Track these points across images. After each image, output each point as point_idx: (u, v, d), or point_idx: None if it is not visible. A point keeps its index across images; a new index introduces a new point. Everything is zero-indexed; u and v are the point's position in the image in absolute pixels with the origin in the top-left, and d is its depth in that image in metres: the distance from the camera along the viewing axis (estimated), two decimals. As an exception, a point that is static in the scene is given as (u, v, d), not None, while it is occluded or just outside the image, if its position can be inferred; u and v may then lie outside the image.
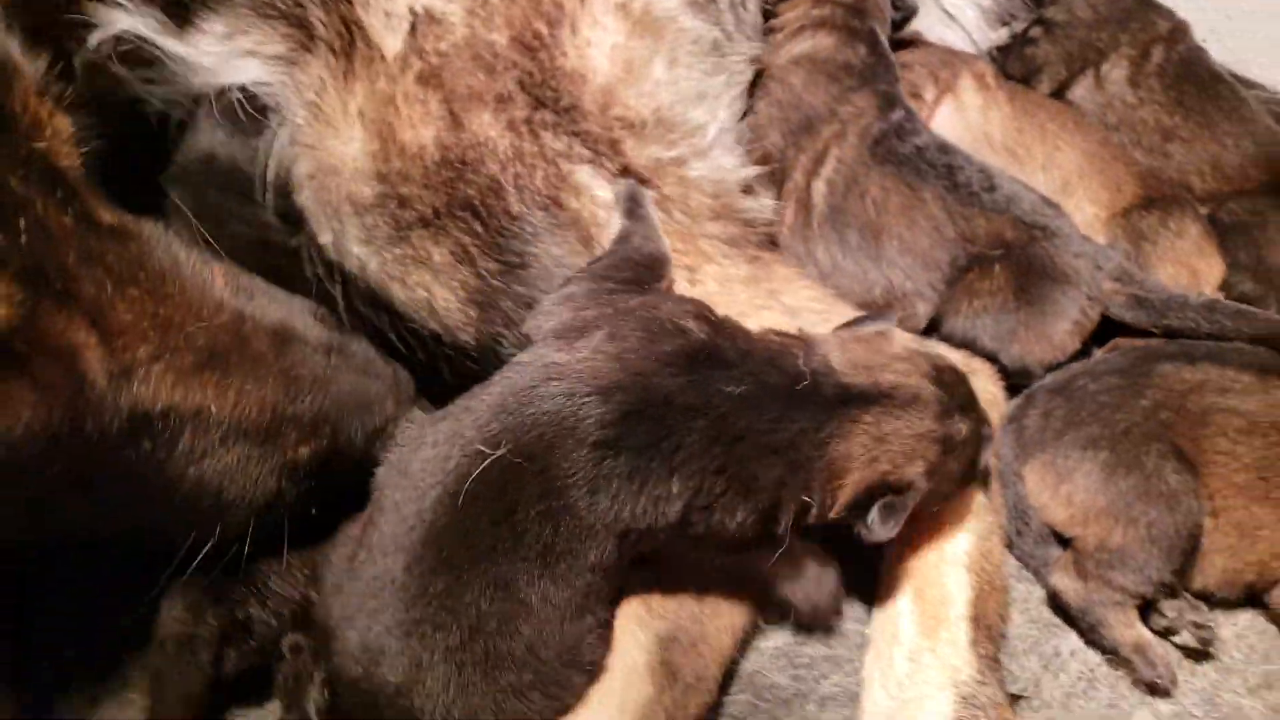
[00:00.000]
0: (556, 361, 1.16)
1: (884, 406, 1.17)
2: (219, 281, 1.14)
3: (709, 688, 1.26)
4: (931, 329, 1.62)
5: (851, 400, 1.17)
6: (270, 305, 1.20)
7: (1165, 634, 1.38)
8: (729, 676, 1.33)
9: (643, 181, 1.43)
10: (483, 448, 1.10)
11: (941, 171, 1.61)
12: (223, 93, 1.48)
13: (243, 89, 1.47)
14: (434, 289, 1.42)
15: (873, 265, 1.61)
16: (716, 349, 1.17)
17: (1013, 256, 1.55)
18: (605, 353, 1.15)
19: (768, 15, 1.79)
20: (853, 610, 1.40)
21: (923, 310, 1.60)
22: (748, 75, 1.64)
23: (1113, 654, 1.36)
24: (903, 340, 1.29)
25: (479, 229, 1.38)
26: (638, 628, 1.24)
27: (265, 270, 1.44)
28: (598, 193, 1.41)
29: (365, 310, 1.46)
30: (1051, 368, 1.55)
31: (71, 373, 0.95)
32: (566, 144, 1.41)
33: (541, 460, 1.10)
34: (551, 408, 1.11)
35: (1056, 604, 1.41)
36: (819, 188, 1.64)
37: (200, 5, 1.46)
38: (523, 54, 1.42)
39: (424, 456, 1.15)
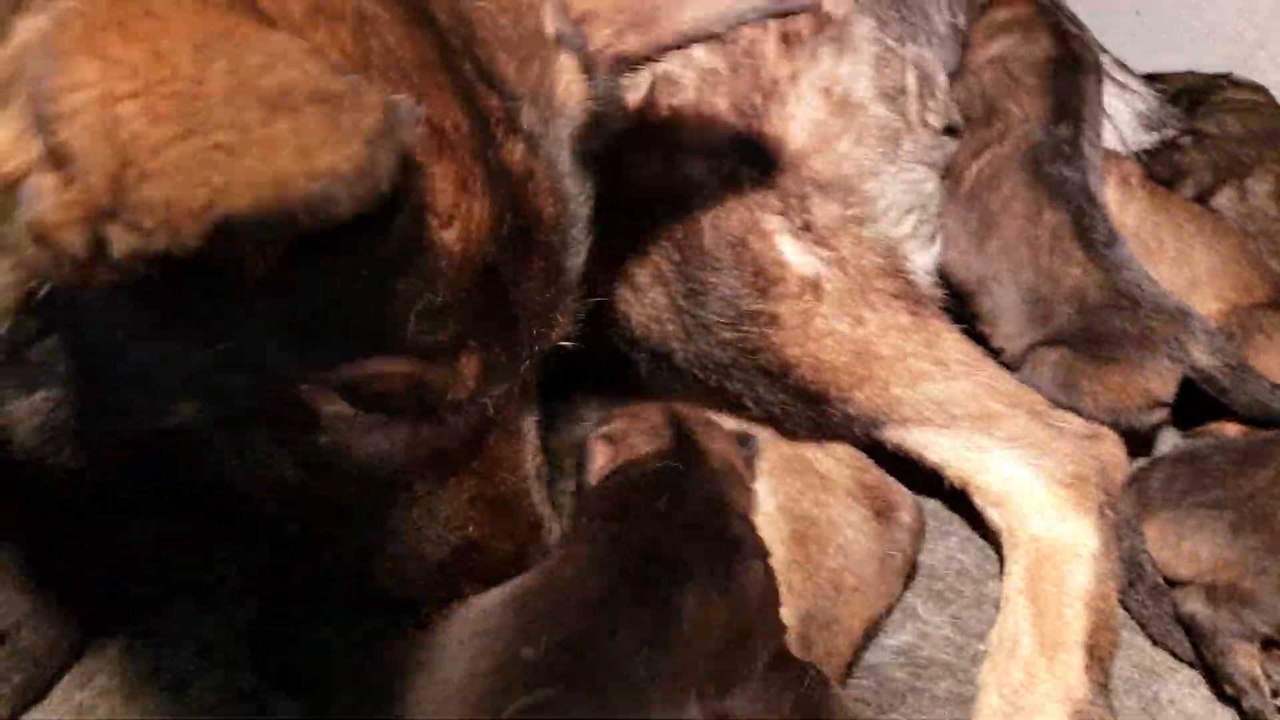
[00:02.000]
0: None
1: None
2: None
3: (838, 665, 1.43)
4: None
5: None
6: None
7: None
8: (855, 664, 1.50)
9: (822, 242, 1.64)
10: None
11: (1073, 207, 1.73)
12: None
13: None
14: (633, 305, 1.66)
15: (976, 254, 1.76)
16: None
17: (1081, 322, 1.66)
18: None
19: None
20: (970, 625, 1.56)
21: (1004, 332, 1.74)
22: (916, 169, 1.82)
23: (1227, 681, 1.45)
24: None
25: (676, 257, 1.62)
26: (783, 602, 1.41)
27: None
28: (779, 239, 1.63)
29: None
30: (1142, 419, 1.61)
31: None
32: (763, 195, 1.64)
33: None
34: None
35: (1187, 625, 1.50)
36: (971, 170, 1.82)
37: None
38: (738, 118, 1.68)
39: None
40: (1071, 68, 1.91)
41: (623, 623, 1.17)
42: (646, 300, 1.64)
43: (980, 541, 1.66)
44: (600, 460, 1.41)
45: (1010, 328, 1.72)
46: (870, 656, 1.52)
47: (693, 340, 1.61)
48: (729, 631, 1.24)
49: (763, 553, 1.34)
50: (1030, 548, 1.50)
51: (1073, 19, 2.04)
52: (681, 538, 1.29)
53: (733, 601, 1.26)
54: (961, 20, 2.02)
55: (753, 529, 1.37)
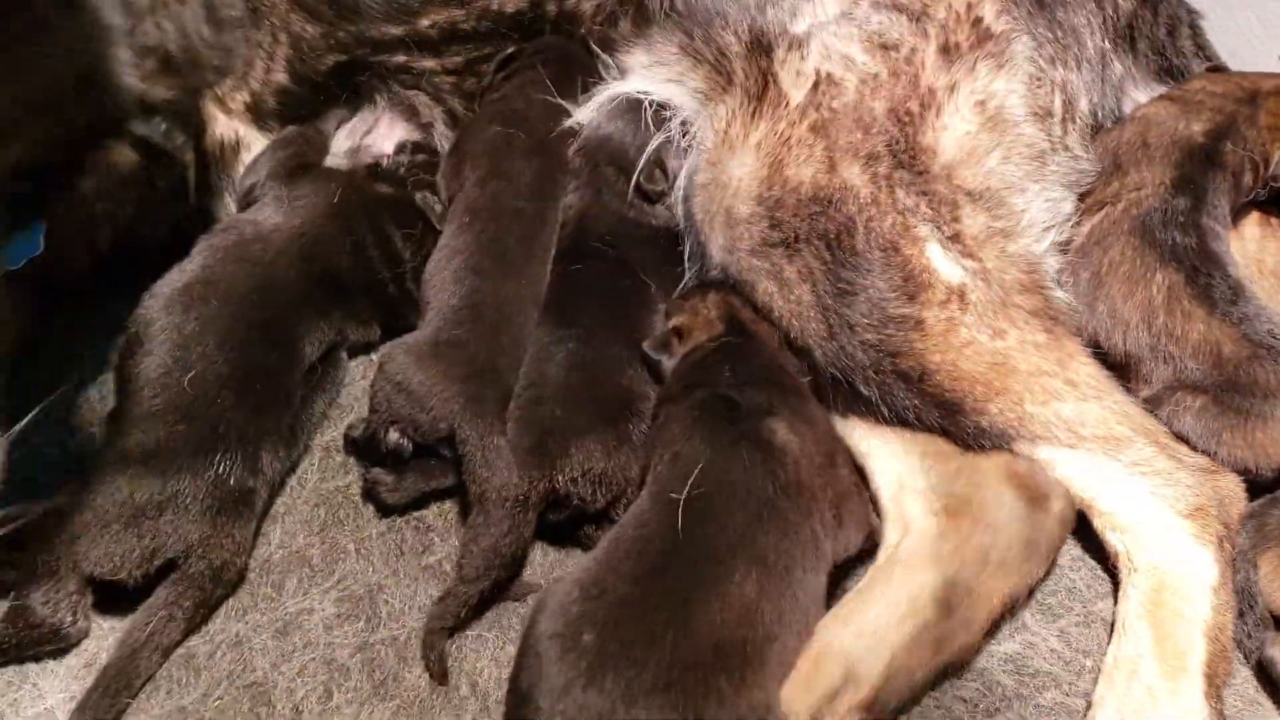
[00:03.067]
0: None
1: None
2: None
3: (972, 632, 1.49)
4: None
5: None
6: None
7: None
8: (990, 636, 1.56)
9: (968, 253, 1.67)
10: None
11: (1186, 267, 1.74)
12: (636, 98, 1.91)
13: (660, 102, 1.90)
14: (776, 299, 1.71)
15: (1087, 311, 1.78)
16: None
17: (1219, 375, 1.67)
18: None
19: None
20: (1077, 641, 1.60)
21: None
22: (1057, 189, 1.84)
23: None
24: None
25: (827, 256, 1.67)
26: (930, 565, 1.51)
27: (616, 229, 1.87)
28: (929, 247, 1.67)
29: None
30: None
31: None
32: (915, 201, 1.68)
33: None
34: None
35: (1266, 676, 1.55)
36: (1084, 227, 1.84)
37: (629, 41, 1.95)
38: (894, 124, 1.72)
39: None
40: (1208, 159, 1.89)
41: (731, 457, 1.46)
42: (792, 296, 1.69)
43: (1091, 562, 1.68)
44: (674, 348, 1.72)
45: (1145, 369, 1.75)
46: (979, 661, 1.57)
47: (835, 339, 1.65)
48: (819, 453, 1.51)
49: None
50: (1151, 574, 1.53)
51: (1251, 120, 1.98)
52: (753, 386, 1.59)
53: (814, 428, 1.56)
54: (1110, 46, 2.03)
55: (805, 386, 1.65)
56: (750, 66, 1.77)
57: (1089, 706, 1.50)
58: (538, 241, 1.86)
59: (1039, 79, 1.82)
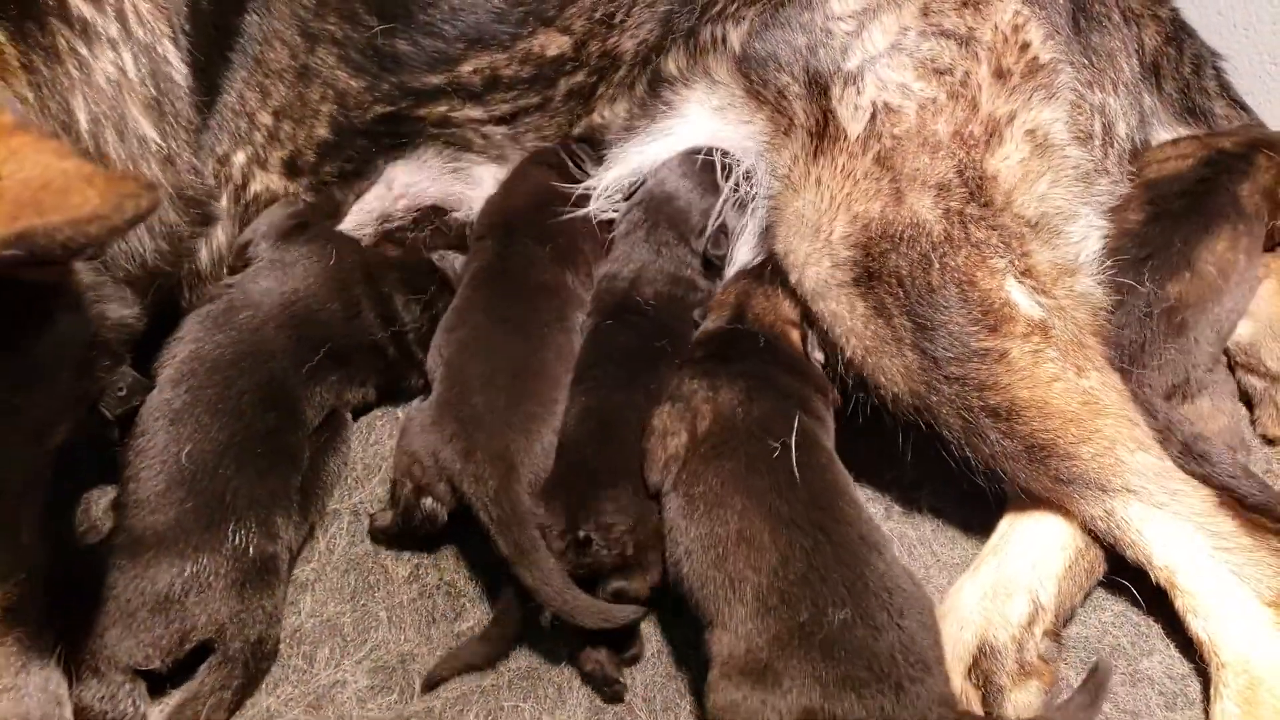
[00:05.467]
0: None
1: None
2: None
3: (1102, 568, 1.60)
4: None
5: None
6: None
7: None
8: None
9: (1041, 289, 1.62)
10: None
11: None
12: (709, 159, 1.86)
13: (723, 152, 1.86)
14: (850, 337, 1.64)
15: None
16: None
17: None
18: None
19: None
20: (1124, 701, 1.55)
21: None
22: (1103, 218, 1.81)
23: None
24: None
25: (900, 293, 1.60)
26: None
27: (664, 294, 1.80)
28: (1006, 280, 1.61)
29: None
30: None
31: None
32: (986, 235, 1.63)
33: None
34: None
35: None
36: None
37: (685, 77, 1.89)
38: (960, 146, 1.68)
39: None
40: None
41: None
42: (867, 333, 1.62)
43: (1135, 619, 1.63)
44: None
45: None
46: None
47: (917, 376, 1.59)
48: None
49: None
50: (1242, 671, 1.46)
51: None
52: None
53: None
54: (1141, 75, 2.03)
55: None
56: (811, 107, 1.74)
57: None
58: (550, 304, 1.79)
59: (1079, 105, 1.80)
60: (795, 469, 1.46)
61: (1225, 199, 1.83)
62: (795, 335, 1.70)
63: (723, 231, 1.86)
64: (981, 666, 1.49)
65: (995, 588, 1.56)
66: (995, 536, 1.64)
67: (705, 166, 1.86)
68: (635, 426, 1.59)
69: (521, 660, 1.56)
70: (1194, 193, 1.84)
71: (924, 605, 1.40)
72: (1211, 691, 1.48)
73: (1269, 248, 1.98)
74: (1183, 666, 1.57)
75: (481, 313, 1.75)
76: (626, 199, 1.92)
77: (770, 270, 1.76)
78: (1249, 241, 1.83)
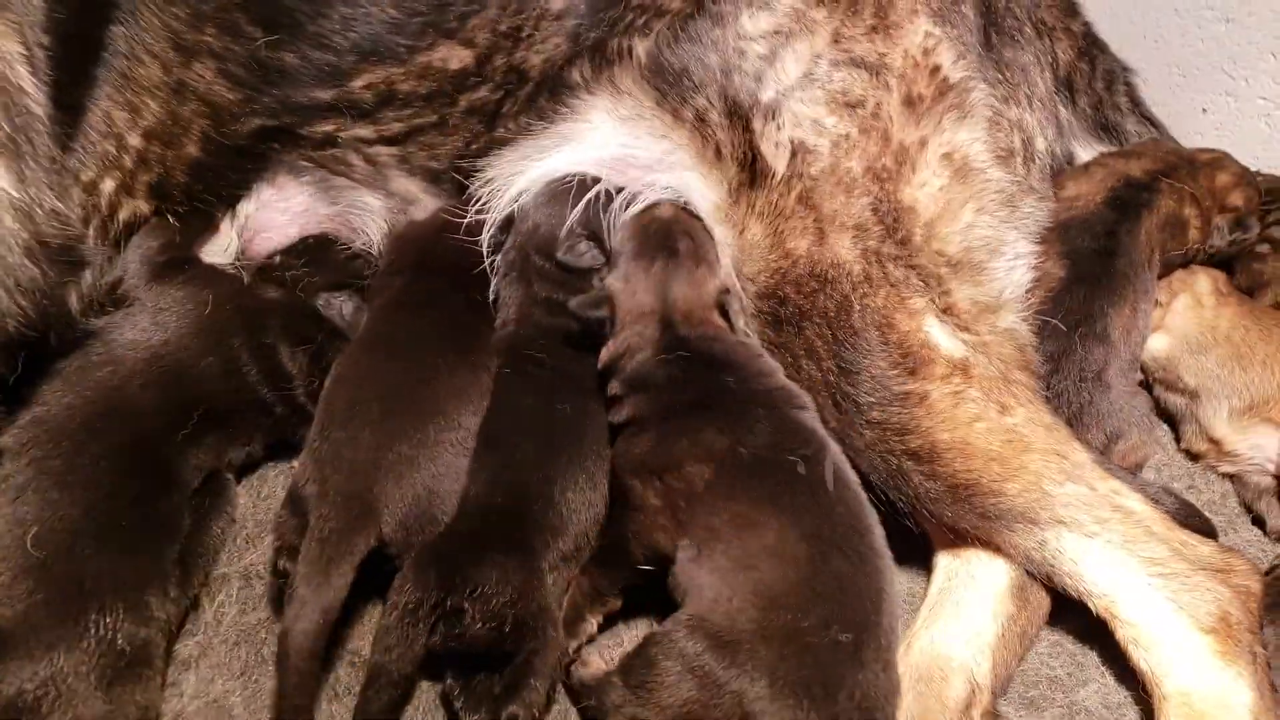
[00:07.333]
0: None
1: None
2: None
3: (1042, 618, 1.58)
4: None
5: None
6: None
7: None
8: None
9: (964, 326, 1.59)
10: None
11: None
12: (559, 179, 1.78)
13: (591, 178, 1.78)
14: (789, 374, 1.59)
15: None
16: None
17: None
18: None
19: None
20: None
21: None
22: (1030, 243, 1.77)
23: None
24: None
25: (828, 334, 1.56)
26: (1004, 563, 1.55)
27: (546, 326, 1.70)
28: (926, 320, 1.57)
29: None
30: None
31: None
32: (905, 274, 1.58)
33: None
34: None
35: None
36: None
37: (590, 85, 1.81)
38: (874, 182, 1.62)
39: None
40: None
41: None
42: (802, 373, 1.58)
43: (1070, 648, 1.61)
44: None
45: None
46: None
47: (843, 416, 1.54)
48: None
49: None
50: (1181, 703, 1.42)
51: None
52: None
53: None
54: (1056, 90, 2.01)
55: None
56: (736, 138, 1.68)
57: None
58: (458, 340, 1.67)
59: (997, 121, 1.76)
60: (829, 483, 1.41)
61: (1126, 263, 1.86)
62: (718, 316, 1.63)
63: (592, 238, 1.75)
64: (923, 757, 1.42)
65: (929, 670, 1.50)
66: (925, 605, 1.58)
67: (564, 190, 1.76)
68: (550, 501, 1.48)
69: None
70: (1103, 252, 1.86)
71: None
72: (1154, 727, 1.45)
73: (1182, 264, 2.00)
74: (1119, 694, 1.55)
75: (374, 347, 1.62)
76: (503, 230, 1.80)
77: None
78: (1145, 298, 1.87)
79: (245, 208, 1.82)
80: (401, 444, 1.49)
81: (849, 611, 1.32)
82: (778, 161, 1.64)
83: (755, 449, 1.43)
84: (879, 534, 1.43)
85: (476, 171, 1.83)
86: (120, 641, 1.32)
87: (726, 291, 1.65)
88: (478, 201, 1.80)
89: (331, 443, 1.48)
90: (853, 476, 1.48)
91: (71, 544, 1.35)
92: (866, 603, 1.33)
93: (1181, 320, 1.92)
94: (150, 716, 1.33)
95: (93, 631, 1.30)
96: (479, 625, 1.36)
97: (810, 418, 1.52)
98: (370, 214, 1.90)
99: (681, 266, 1.61)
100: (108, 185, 1.63)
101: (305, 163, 1.81)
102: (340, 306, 1.75)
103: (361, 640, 1.53)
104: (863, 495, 1.47)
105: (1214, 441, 1.85)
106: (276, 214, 1.84)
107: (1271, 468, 1.77)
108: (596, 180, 1.76)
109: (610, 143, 1.75)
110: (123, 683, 1.31)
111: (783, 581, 1.32)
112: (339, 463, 1.46)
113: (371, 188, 1.87)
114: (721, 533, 1.38)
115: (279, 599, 1.49)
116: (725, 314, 1.66)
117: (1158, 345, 1.92)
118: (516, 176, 1.78)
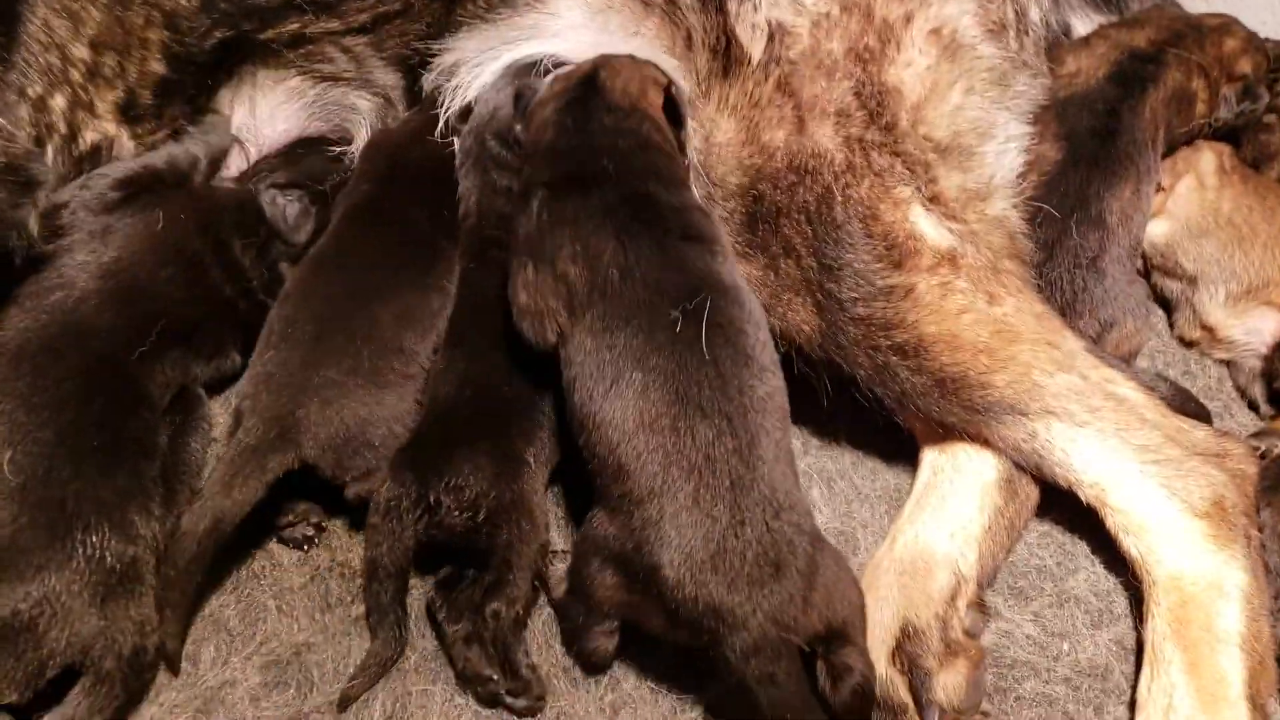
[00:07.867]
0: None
1: None
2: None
3: (1031, 511, 1.57)
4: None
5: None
6: None
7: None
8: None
9: (951, 215, 1.54)
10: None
11: None
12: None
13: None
14: (768, 277, 1.54)
15: None
16: None
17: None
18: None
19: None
20: (1052, 624, 1.53)
21: None
22: (1023, 124, 1.70)
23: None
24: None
25: (808, 230, 1.50)
26: (991, 456, 1.53)
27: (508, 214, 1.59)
28: (912, 210, 1.51)
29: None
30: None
31: None
32: (889, 162, 1.52)
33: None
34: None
35: None
36: None
37: None
38: (856, 64, 1.56)
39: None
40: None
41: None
42: (780, 273, 1.53)
43: (1059, 538, 1.61)
44: None
45: None
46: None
47: (825, 315, 1.51)
48: None
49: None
50: (1173, 588, 1.41)
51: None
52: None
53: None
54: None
55: None
56: (709, 22, 1.59)
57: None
58: (414, 258, 1.62)
59: None
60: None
61: (1128, 142, 1.78)
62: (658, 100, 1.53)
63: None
64: (906, 650, 1.43)
65: (914, 563, 1.49)
66: (911, 500, 1.57)
67: (525, 69, 1.66)
68: (512, 385, 1.47)
69: (429, 642, 1.45)
70: (1104, 131, 1.77)
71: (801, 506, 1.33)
72: (1145, 611, 1.44)
73: (1187, 141, 1.93)
74: (1108, 581, 1.56)
75: (322, 263, 1.59)
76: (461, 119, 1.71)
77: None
78: (1148, 179, 1.80)
79: (237, 123, 1.78)
80: (329, 368, 1.47)
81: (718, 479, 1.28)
82: (754, 46, 1.55)
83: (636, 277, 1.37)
84: (764, 386, 1.36)
85: (441, 61, 1.74)
86: (109, 559, 1.33)
87: (673, 85, 1.56)
88: (444, 96, 1.72)
89: (264, 362, 1.48)
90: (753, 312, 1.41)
91: (49, 467, 1.36)
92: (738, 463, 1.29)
93: (1184, 204, 1.86)
94: (145, 630, 1.36)
95: (81, 551, 1.32)
96: (455, 514, 1.38)
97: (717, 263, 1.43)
98: (360, 116, 1.86)
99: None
100: (58, 102, 1.56)
101: (285, 69, 1.76)
102: (285, 206, 1.69)
103: (350, 553, 1.54)
104: (755, 338, 1.39)
105: (1208, 329, 1.81)
106: (267, 128, 1.80)
107: (1265, 350, 1.75)
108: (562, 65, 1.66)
109: (582, 39, 1.66)
110: (115, 599, 1.33)
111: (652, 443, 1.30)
112: (270, 382, 1.46)
113: (356, 86, 1.82)
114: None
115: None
116: (673, 114, 1.56)
117: (1157, 231, 1.86)
118: (481, 68, 1.70)
